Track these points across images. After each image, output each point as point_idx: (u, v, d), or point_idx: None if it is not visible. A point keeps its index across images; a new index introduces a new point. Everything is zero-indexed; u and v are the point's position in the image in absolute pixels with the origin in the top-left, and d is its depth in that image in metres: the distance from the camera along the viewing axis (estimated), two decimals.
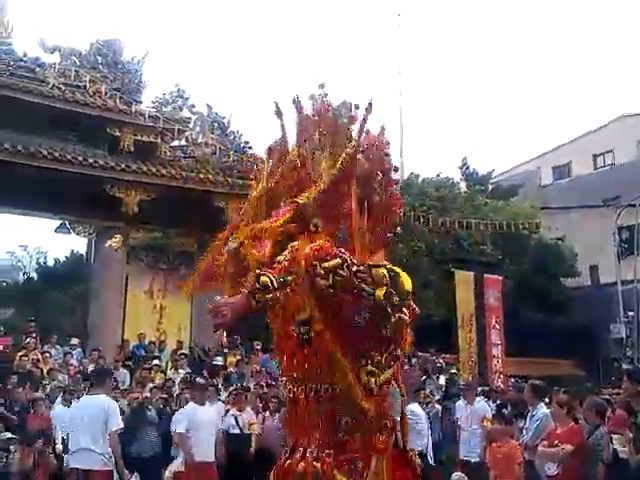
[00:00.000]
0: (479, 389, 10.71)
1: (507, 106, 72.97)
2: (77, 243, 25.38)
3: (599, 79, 70.77)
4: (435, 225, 19.63)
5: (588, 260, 24.90)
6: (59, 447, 10.32)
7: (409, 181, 23.36)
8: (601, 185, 26.91)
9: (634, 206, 22.47)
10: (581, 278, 24.82)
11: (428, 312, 15.52)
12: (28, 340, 13.54)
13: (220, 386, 12.94)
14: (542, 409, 7.20)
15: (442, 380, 13.74)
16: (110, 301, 16.17)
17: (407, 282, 3.10)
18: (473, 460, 8.17)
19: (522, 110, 71.28)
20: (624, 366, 18.64)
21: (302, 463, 3.14)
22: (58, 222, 17.03)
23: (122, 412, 11.14)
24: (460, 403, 9.63)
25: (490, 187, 27.59)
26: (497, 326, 12.78)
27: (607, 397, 8.32)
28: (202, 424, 8.40)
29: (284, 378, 3.28)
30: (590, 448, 6.44)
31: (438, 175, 24.85)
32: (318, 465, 3.10)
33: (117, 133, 16.10)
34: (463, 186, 26.65)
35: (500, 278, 14.35)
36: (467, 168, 28.47)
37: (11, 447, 9.39)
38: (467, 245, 21.67)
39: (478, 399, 9.06)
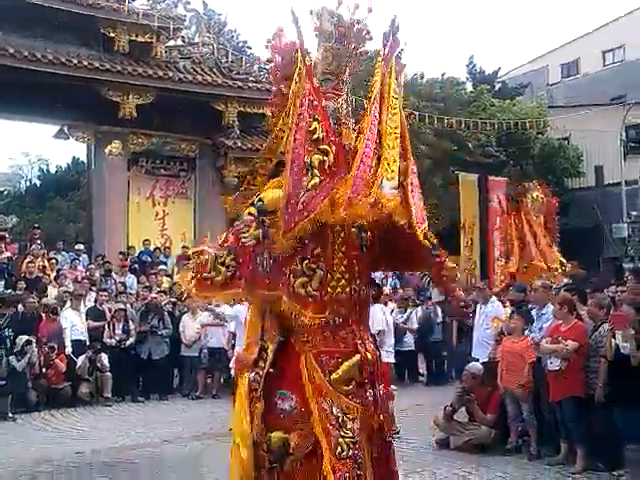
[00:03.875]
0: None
1: (515, 1, 70.23)
2: (78, 150, 25.09)
3: None
4: (439, 126, 19.25)
5: (593, 160, 24.56)
6: (69, 349, 10.61)
7: (413, 81, 22.71)
8: (610, 83, 26.19)
9: None
10: (586, 179, 24.57)
11: (431, 218, 15.26)
12: (33, 247, 13.59)
13: None
14: (551, 308, 7.22)
15: None
16: (113, 208, 16.14)
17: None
18: (482, 360, 8.26)
19: (531, 5, 68.62)
20: (625, 265, 18.80)
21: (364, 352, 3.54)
22: (57, 128, 16.72)
23: (131, 316, 11.43)
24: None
25: (497, 86, 26.91)
26: (501, 227, 12.57)
27: (611, 294, 8.36)
28: None
29: (340, 277, 3.49)
30: (592, 344, 6.54)
31: (443, 75, 24.12)
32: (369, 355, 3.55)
33: (111, 33, 15.53)
34: (469, 86, 25.96)
35: (505, 180, 14.08)
36: (473, 67, 27.67)
37: (26, 349, 9.65)
38: (471, 147, 21.32)
39: (492, 299, 9.05)
